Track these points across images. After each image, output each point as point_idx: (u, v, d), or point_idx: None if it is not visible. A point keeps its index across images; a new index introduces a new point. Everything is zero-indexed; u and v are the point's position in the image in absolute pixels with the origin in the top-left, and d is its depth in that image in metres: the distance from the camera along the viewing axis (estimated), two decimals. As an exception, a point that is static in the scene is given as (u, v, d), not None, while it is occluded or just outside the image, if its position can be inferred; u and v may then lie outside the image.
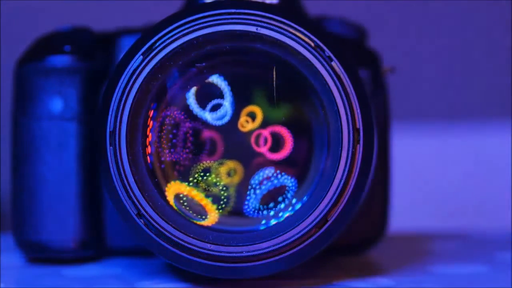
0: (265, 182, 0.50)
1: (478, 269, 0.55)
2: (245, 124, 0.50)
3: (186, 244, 0.48)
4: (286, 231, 0.48)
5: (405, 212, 0.78)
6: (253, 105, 0.50)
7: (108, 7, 0.92)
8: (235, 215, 0.50)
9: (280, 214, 0.49)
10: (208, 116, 0.50)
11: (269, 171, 0.50)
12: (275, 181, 0.50)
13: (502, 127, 0.94)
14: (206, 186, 0.50)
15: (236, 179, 0.50)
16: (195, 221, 0.49)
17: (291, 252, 0.48)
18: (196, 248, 0.48)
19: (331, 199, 0.48)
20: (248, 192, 0.50)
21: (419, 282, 0.52)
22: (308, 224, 0.48)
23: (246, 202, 0.50)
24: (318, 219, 0.48)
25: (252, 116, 0.50)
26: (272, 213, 0.49)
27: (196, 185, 0.50)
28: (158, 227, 0.48)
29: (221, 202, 0.50)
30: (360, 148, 0.48)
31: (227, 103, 0.50)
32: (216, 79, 0.50)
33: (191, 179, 0.50)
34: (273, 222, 0.49)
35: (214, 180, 0.50)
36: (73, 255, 0.55)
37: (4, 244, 0.61)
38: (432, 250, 0.62)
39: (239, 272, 0.48)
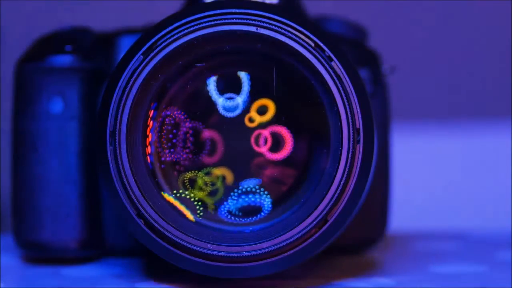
0: (250, 195, 0.50)
1: (478, 269, 0.55)
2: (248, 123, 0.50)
3: (186, 244, 0.48)
4: (286, 231, 0.48)
5: (405, 212, 0.78)
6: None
7: (108, 7, 0.92)
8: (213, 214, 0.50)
9: (249, 227, 0.49)
10: (220, 101, 0.50)
11: (256, 183, 0.50)
12: (257, 198, 0.50)
13: (502, 127, 0.94)
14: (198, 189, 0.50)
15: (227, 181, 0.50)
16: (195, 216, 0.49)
17: (291, 252, 0.48)
18: (196, 248, 0.48)
19: (331, 199, 0.48)
20: (232, 194, 0.50)
21: (419, 282, 0.52)
22: (308, 224, 0.48)
23: (225, 203, 0.50)
24: (318, 219, 0.48)
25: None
26: (243, 222, 0.49)
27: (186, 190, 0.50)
28: (158, 227, 0.48)
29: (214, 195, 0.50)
30: (360, 148, 0.48)
31: (240, 100, 0.50)
32: (242, 74, 0.49)
33: (175, 191, 0.50)
34: (243, 230, 0.49)
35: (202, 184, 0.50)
36: (73, 255, 0.55)
37: (4, 244, 0.61)
38: (432, 250, 0.62)
39: (239, 272, 0.48)
